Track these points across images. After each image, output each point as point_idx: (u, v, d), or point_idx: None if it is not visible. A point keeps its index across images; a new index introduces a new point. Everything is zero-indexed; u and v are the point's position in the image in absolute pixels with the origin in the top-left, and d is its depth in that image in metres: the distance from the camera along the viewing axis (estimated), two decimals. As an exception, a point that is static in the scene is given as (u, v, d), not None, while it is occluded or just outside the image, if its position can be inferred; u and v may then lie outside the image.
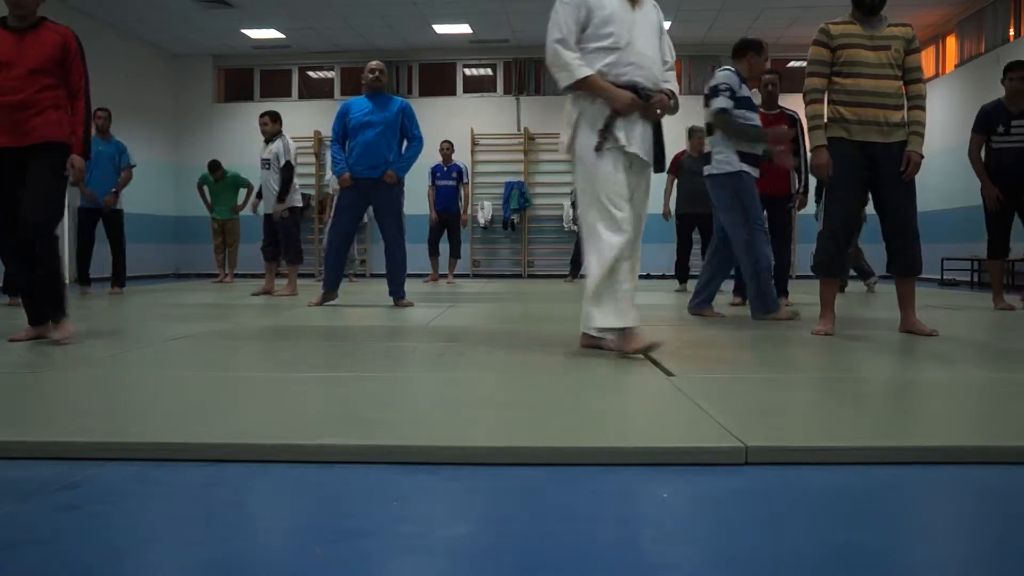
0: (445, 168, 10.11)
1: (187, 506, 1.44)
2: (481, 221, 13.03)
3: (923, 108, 3.88)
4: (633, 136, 3.14)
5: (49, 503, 1.42)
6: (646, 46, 3.17)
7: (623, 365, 2.92)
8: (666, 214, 8.73)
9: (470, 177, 10.60)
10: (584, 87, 3.11)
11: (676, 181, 8.39)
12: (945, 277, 10.39)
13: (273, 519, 1.42)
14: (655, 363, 2.90)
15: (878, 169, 3.83)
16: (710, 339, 3.80)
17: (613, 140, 3.11)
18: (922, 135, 3.85)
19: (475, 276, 12.93)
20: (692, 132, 8.29)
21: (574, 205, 8.91)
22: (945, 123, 11.03)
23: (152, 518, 1.38)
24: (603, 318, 3.09)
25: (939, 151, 11.12)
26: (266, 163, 7.45)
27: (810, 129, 3.89)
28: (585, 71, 3.08)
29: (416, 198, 10.86)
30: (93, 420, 1.98)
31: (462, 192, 10.13)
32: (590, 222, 3.13)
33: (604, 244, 3.06)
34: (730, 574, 1.12)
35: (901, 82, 3.87)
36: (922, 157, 3.84)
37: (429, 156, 10.37)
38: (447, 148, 10.16)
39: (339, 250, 5.99)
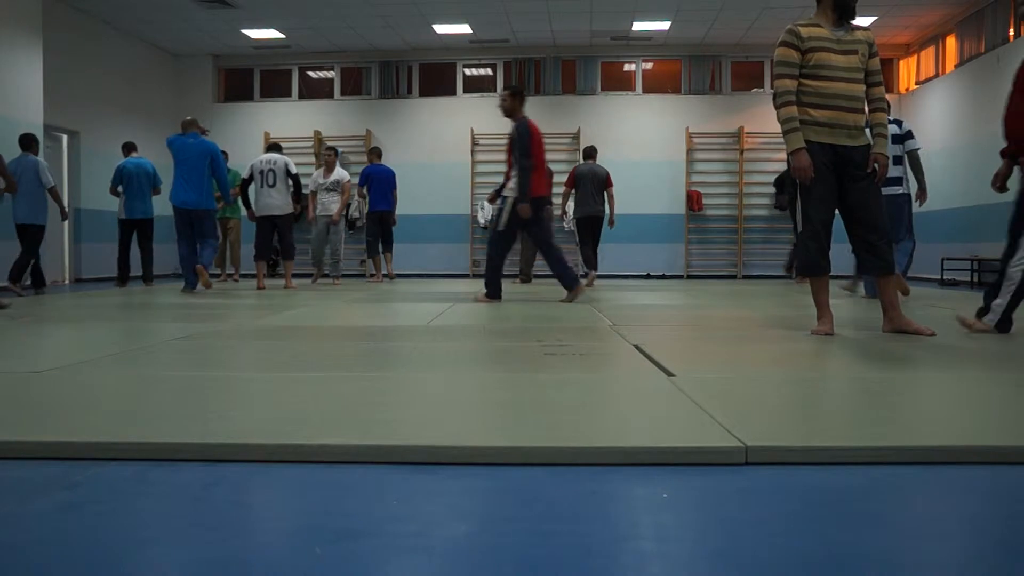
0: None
1: (187, 506, 1.44)
2: (481, 221, 13.02)
3: (884, 110, 3.98)
4: None
5: (49, 503, 1.42)
6: None
7: (623, 365, 2.92)
8: (563, 216, 9.28)
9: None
10: None
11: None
12: (945, 277, 10.39)
13: (273, 519, 1.42)
14: (655, 363, 2.90)
15: (846, 172, 3.87)
16: (709, 339, 3.81)
17: None
18: (886, 136, 3.92)
19: (475, 276, 12.92)
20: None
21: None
22: (945, 123, 11.03)
23: (152, 518, 1.38)
24: None
25: (939, 151, 11.12)
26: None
27: (787, 132, 3.85)
28: None
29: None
30: (93, 420, 1.98)
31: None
32: None
33: None
34: (730, 574, 1.12)
35: (864, 85, 3.92)
36: (887, 158, 3.90)
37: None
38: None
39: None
